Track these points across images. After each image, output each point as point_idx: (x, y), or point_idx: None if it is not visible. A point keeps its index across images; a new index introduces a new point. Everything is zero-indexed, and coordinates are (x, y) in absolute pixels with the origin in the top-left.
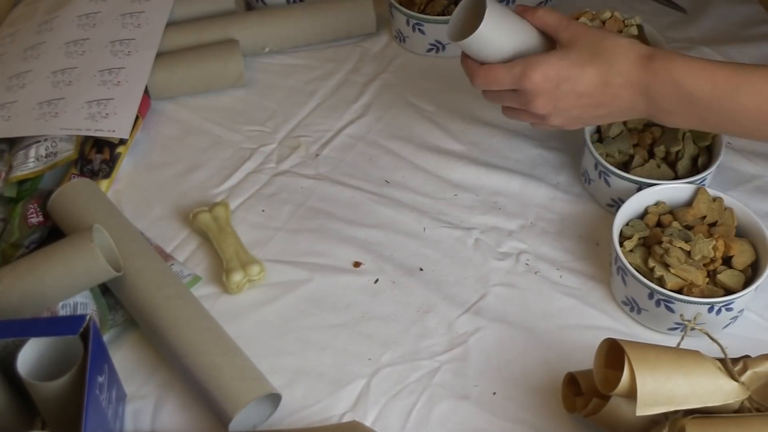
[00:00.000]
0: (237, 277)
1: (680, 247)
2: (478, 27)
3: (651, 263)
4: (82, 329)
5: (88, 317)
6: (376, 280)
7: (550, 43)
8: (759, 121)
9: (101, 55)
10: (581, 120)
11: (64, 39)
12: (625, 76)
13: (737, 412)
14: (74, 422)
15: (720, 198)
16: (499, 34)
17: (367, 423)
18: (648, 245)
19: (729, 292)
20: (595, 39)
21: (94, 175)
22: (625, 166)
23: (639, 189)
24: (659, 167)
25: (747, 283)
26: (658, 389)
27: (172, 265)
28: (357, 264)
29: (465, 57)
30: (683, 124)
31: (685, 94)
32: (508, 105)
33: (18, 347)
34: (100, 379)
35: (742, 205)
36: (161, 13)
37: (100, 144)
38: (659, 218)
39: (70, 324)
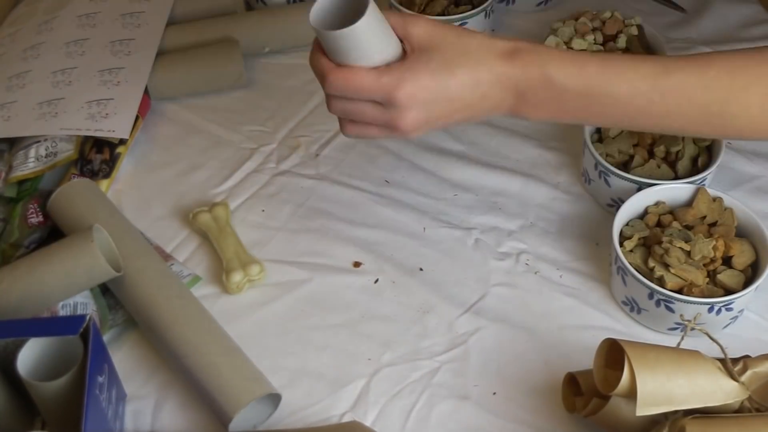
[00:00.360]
0: (237, 277)
1: (680, 247)
2: (357, 21)
3: (651, 263)
4: (82, 329)
5: (88, 317)
6: (376, 280)
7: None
8: (630, 112)
9: (101, 55)
10: (444, 126)
11: (64, 39)
12: (494, 74)
13: (737, 412)
14: (74, 422)
15: (720, 198)
16: (374, 34)
17: (367, 423)
18: (648, 245)
19: (729, 292)
20: (451, 36)
21: (94, 175)
22: (625, 166)
23: (639, 189)
24: (659, 167)
25: (747, 283)
26: (658, 389)
27: (172, 265)
28: (357, 264)
29: (318, 53)
30: (549, 118)
31: (556, 89)
32: (362, 119)
33: (18, 347)
34: (100, 379)
35: (742, 205)
36: (161, 13)
37: (100, 144)
38: (659, 218)
39: (70, 324)
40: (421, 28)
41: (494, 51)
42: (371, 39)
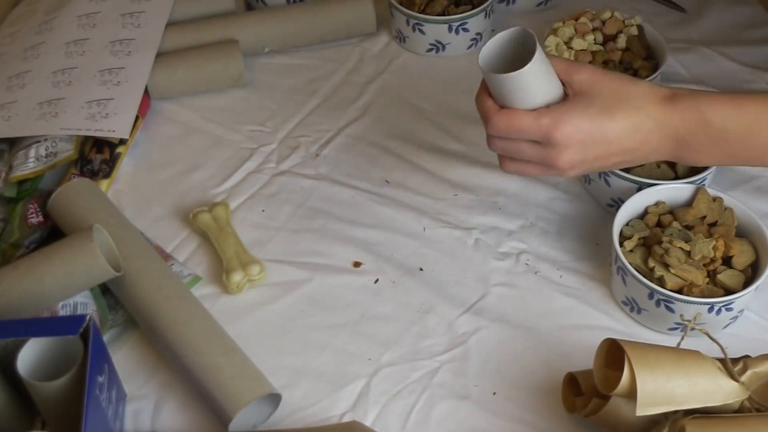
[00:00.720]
0: (237, 277)
1: (680, 247)
2: (525, 66)
3: (651, 263)
4: (82, 329)
5: (88, 317)
6: (376, 280)
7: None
8: None
9: (101, 55)
10: (601, 168)
11: (64, 39)
12: (654, 120)
13: (737, 412)
14: (74, 422)
15: (720, 198)
16: (539, 78)
17: (367, 423)
18: (648, 245)
19: (729, 292)
20: (614, 84)
21: (94, 175)
22: None
23: (639, 189)
24: (659, 167)
25: (747, 283)
26: (658, 389)
27: (172, 265)
28: (357, 264)
29: (484, 95)
30: (711, 162)
31: (716, 132)
32: (521, 157)
33: (18, 347)
34: (100, 379)
35: (742, 205)
36: (161, 13)
37: (100, 144)
38: (659, 218)
39: (70, 324)
40: (585, 74)
41: (654, 97)
42: (536, 82)
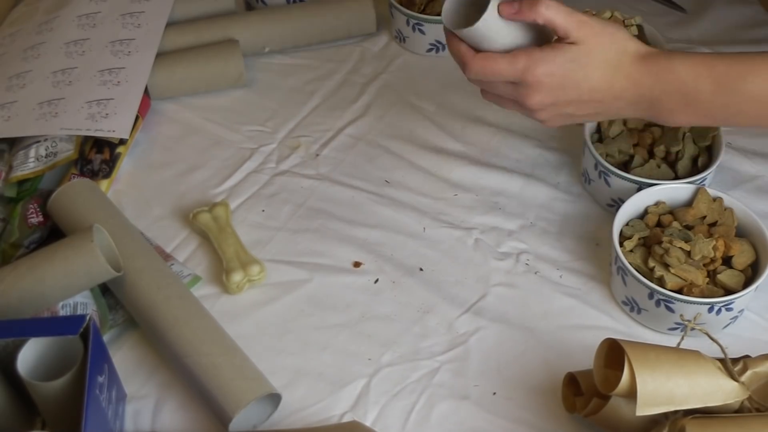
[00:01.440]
0: (237, 277)
1: (680, 247)
2: (483, 14)
3: (651, 263)
4: (82, 329)
5: (88, 317)
6: (377, 280)
7: (547, 35)
8: (766, 107)
9: (101, 55)
10: (571, 118)
11: (64, 39)
12: (629, 79)
13: (737, 412)
14: (74, 422)
15: (720, 198)
16: (502, 24)
17: (367, 423)
18: (648, 245)
19: (729, 292)
20: (597, 37)
21: (94, 175)
22: (625, 166)
23: (639, 189)
24: (659, 167)
25: (747, 283)
26: (658, 389)
27: (172, 265)
28: (357, 264)
29: (456, 42)
30: (686, 121)
31: (689, 91)
32: (499, 93)
33: (18, 347)
34: (100, 379)
35: (742, 205)
36: (161, 13)
37: (100, 144)
38: (659, 218)
39: (70, 324)
40: (583, 30)
41: (631, 56)
42: (502, 26)
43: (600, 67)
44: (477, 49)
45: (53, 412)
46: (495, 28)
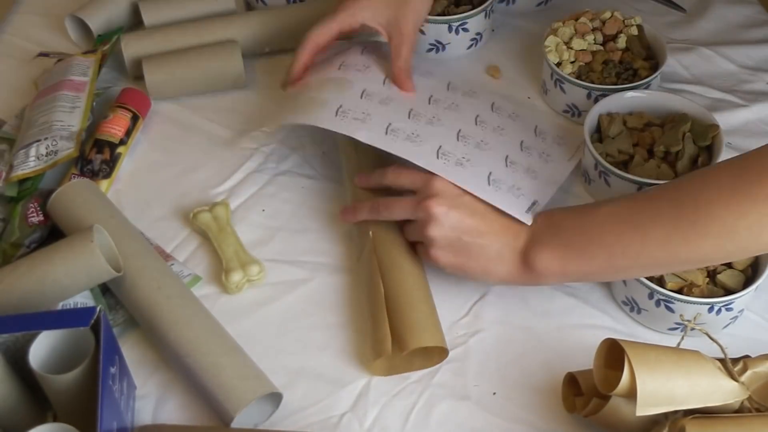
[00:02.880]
0: (236, 277)
1: None
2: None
3: None
4: (93, 321)
5: (98, 309)
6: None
7: None
8: (616, 229)
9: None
10: (460, 242)
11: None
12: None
13: (737, 412)
14: (86, 414)
15: None
16: None
17: (367, 423)
18: None
19: (729, 292)
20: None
21: (94, 175)
22: (625, 166)
23: (639, 189)
24: (659, 167)
25: (747, 283)
26: (658, 389)
27: (172, 265)
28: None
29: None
30: (550, 259)
31: (555, 220)
32: (402, 216)
33: (29, 341)
34: (113, 369)
35: None
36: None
37: (101, 144)
38: None
39: (81, 316)
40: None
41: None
42: None
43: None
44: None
45: (65, 405)
46: None
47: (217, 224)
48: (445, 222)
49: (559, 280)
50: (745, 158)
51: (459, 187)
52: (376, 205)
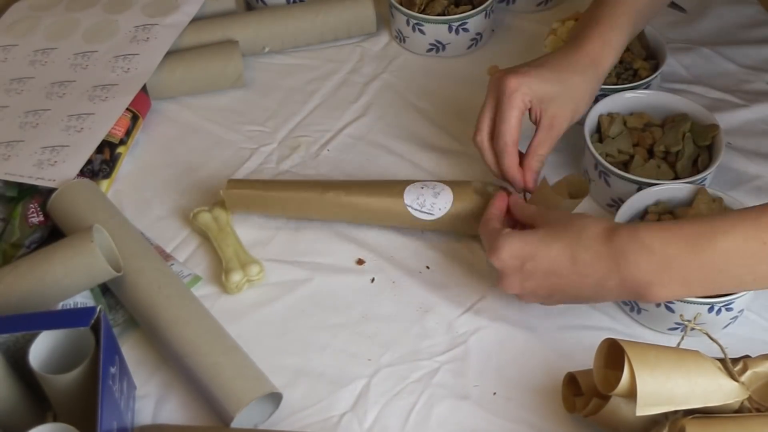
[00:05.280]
0: (236, 277)
1: None
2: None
3: None
4: (93, 321)
5: (98, 309)
6: (372, 279)
7: None
8: (747, 262)
9: (79, 99)
10: (555, 299)
11: (51, 78)
12: (592, 249)
13: (737, 412)
14: (86, 414)
15: (720, 198)
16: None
17: (367, 423)
18: None
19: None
20: (565, 217)
21: (94, 175)
22: (625, 166)
23: (639, 189)
24: (659, 167)
25: None
26: (658, 389)
27: (172, 265)
28: (360, 261)
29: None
30: (672, 293)
31: (660, 258)
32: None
33: (29, 341)
34: (113, 369)
35: (742, 205)
36: (154, 56)
37: (101, 144)
38: (659, 218)
39: (81, 316)
40: (549, 220)
41: (597, 229)
42: None
43: (559, 239)
44: None
45: (65, 405)
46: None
47: (217, 224)
48: (528, 294)
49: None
50: None
51: (517, 253)
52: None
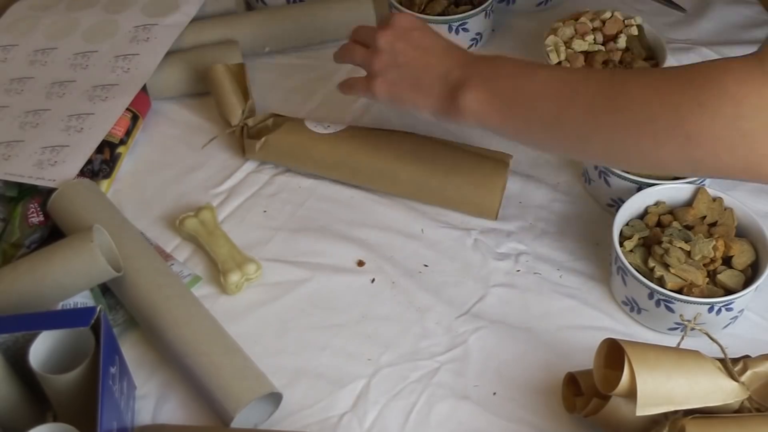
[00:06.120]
0: (234, 277)
1: (680, 247)
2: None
3: (651, 263)
4: (93, 321)
5: (98, 309)
6: (373, 280)
7: None
8: (554, 98)
9: (78, 99)
10: (398, 73)
11: (51, 78)
12: (461, 50)
13: (737, 412)
14: (86, 414)
15: (720, 198)
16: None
17: (367, 423)
18: (648, 245)
19: (729, 292)
20: None
21: (94, 175)
22: None
23: (639, 189)
24: None
25: (747, 283)
26: (658, 389)
27: (172, 265)
28: (361, 263)
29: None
30: (475, 100)
31: (492, 68)
32: (354, 56)
33: (29, 341)
34: (113, 369)
35: (742, 205)
36: (154, 56)
37: (101, 144)
38: (659, 218)
39: (82, 316)
40: None
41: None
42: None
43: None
44: None
45: (65, 405)
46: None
47: (205, 228)
48: (390, 52)
49: (478, 124)
50: (692, 69)
51: (417, 22)
52: (342, 53)
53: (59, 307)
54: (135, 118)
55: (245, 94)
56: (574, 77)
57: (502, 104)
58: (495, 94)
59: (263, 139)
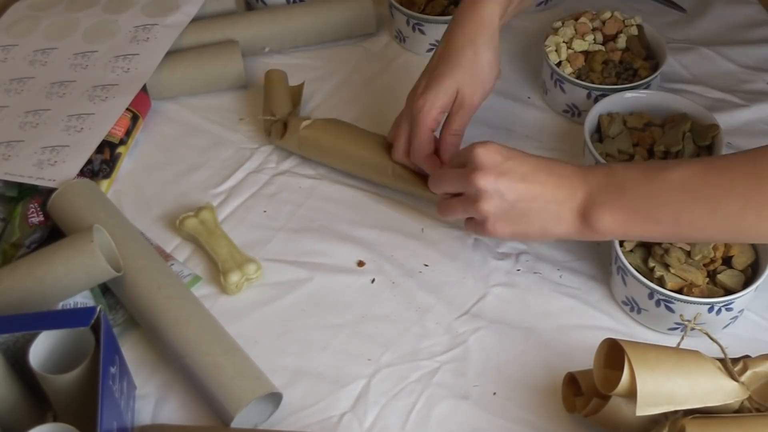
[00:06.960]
0: (234, 277)
1: (680, 247)
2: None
3: (651, 263)
4: (93, 321)
5: (98, 309)
6: (373, 280)
7: None
8: (686, 197)
9: (78, 99)
10: (515, 213)
11: (51, 78)
12: (568, 169)
13: (737, 412)
14: (86, 414)
15: None
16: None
17: (367, 423)
18: (648, 245)
19: (729, 292)
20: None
21: (94, 175)
22: None
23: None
24: None
25: (747, 283)
26: (658, 389)
27: (172, 264)
28: (361, 263)
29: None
30: (612, 222)
31: (620, 179)
32: (450, 189)
33: (29, 341)
34: (113, 369)
35: None
36: (154, 56)
37: (101, 144)
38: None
39: (82, 316)
40: None
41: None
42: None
43: (537, 158)
44: None
45: (65, 405)
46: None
47: (205, 228)
48: (495, 193)
49: (620, 237)
50: None
51: (500, 149)
52: (444, 210)
53: (59, 307)
54: (135, 118)
55: (295, 102)
56: (706, 172)
57: (642, 218)
58: (631, 210)
59: (311, 120)
